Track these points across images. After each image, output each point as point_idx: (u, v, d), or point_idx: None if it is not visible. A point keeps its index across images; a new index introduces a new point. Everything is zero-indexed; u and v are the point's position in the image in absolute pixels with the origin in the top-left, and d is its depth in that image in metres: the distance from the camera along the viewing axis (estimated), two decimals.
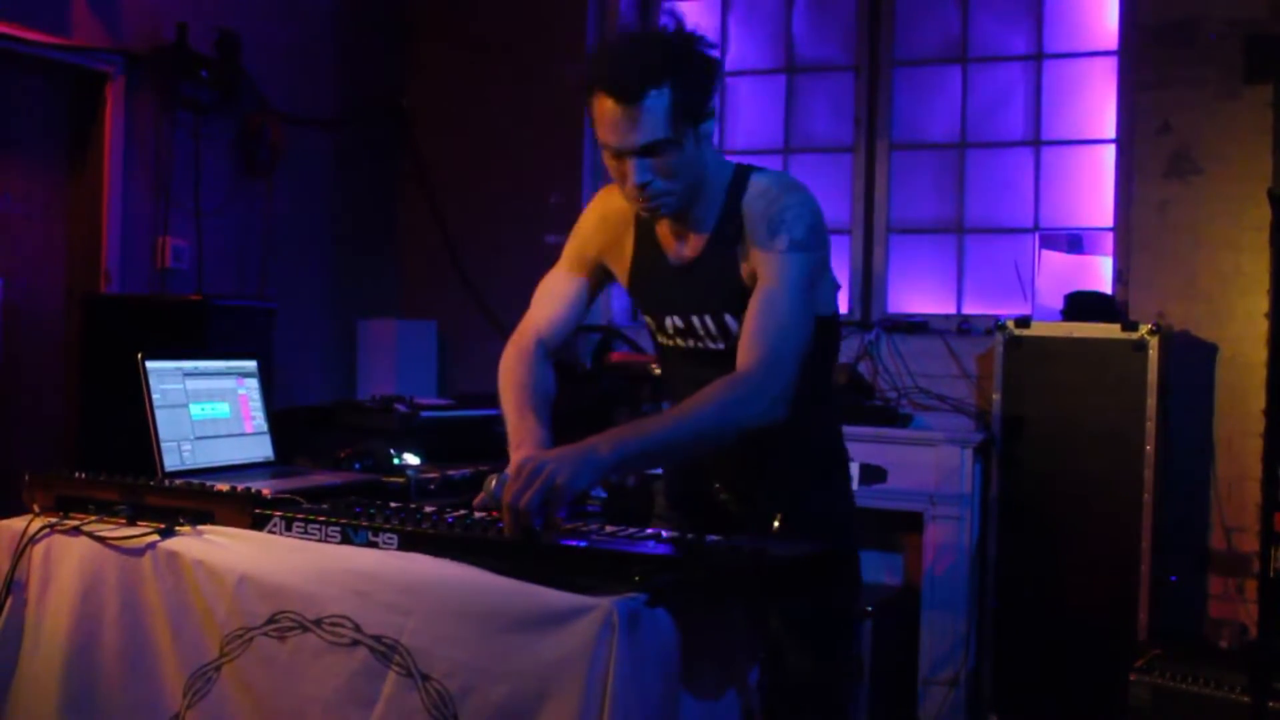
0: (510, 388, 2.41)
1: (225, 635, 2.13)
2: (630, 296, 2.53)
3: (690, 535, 2.02)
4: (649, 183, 2.22)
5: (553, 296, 2.55)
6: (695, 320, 2.37)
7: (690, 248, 2.36)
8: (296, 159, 5.52)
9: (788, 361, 2.16)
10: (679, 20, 2.30)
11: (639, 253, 2.45)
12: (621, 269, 2.49)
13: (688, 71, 2.18)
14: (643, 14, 5.90)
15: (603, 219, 2.51)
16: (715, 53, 2.28)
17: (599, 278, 2.55)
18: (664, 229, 2.40)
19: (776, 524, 2.20)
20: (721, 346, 2.34)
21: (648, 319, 2.49)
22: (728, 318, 2.32)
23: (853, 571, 2.48)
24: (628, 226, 2.45)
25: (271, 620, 2.08)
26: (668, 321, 2.41)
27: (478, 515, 2.14)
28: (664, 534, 2.04)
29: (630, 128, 2.18)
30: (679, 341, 2.41)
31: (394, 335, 5.71)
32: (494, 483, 2.08)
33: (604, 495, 2.15)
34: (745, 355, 2.18)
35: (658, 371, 2.58)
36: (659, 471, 2.68)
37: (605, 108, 2.19)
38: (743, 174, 2.35)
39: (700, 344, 2.38)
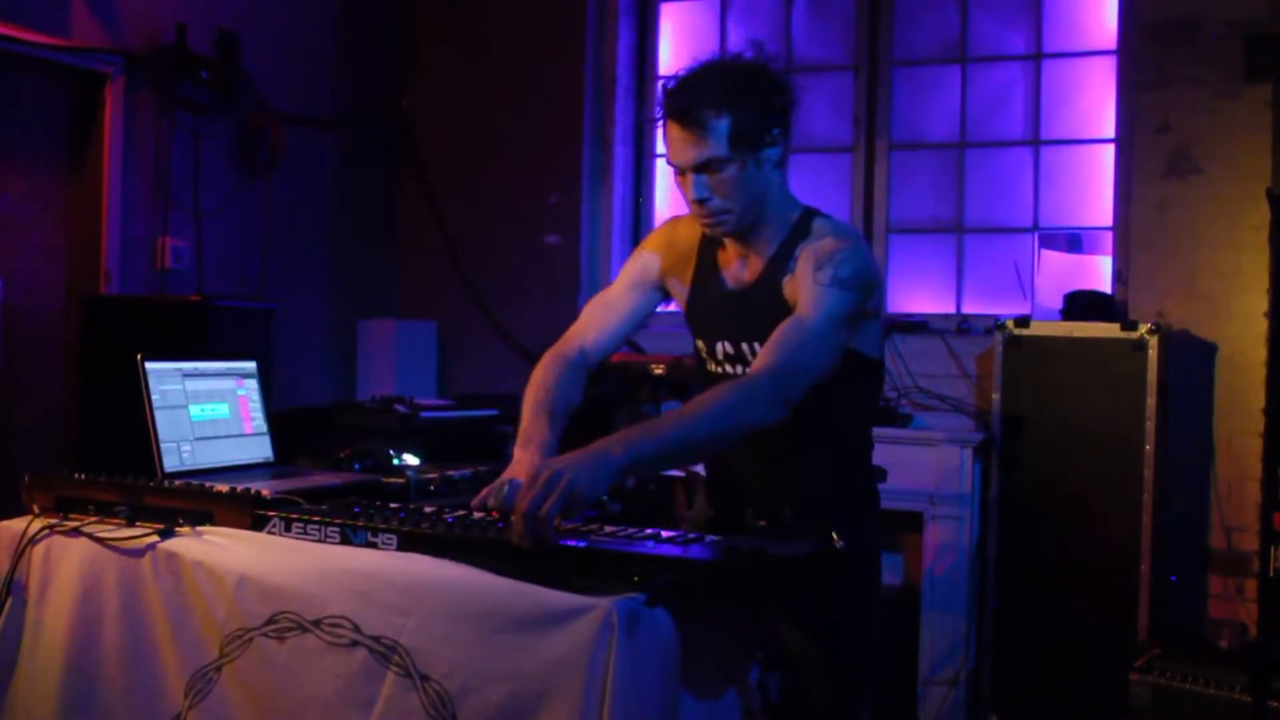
0: (534, 388, 2.47)
1: (225, 636, 2.13)
2: (687, 322, 2.60)
3: (690, 535, 2.02)
4: (706, 199, 2.34)
5: (606, 308, 2.63)
6: (745, 347, 2.45)
7: (749, 272, 2.45)
8: (296, 159, 5.52)
9: (797, 375, 2.20)
10: (756, 49, 2.43)
11: (698, 277, 2.54)
12: (682, 292, 2.58)
13: (749, 99, 2.32)
14: (641, 15, 5.90)
15: (670, 243, 2.61)
16: (785, 85, 2.41)
17: (653, 299, 2.63)
18: (726, 255, 2.50)
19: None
20: None
21: (700, 345, 2.56)
22: None
23: (871, 588, 2.53)
24: (691, 252, 2.55)
25: (271, 621, 2.08)
26: (718, 347, 2.50)
27: (477, 516, 2.14)
28: (663, 534, 2.04)
29: (689, 146, 2.32)
30: (728, 368, 2.49)
31: (394, 335, 5.71)
32: (506, 488, 2.08)
33: (618, 508, 2.15)
34: (758, 363, 2.24)
35: (658, 371, 2.59)
36: (677, 473, 2.71)
37: (671, 129, 2.34)
38: (809, 215, 2.46)
39: (748, 369, 2.40)
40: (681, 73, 2.38)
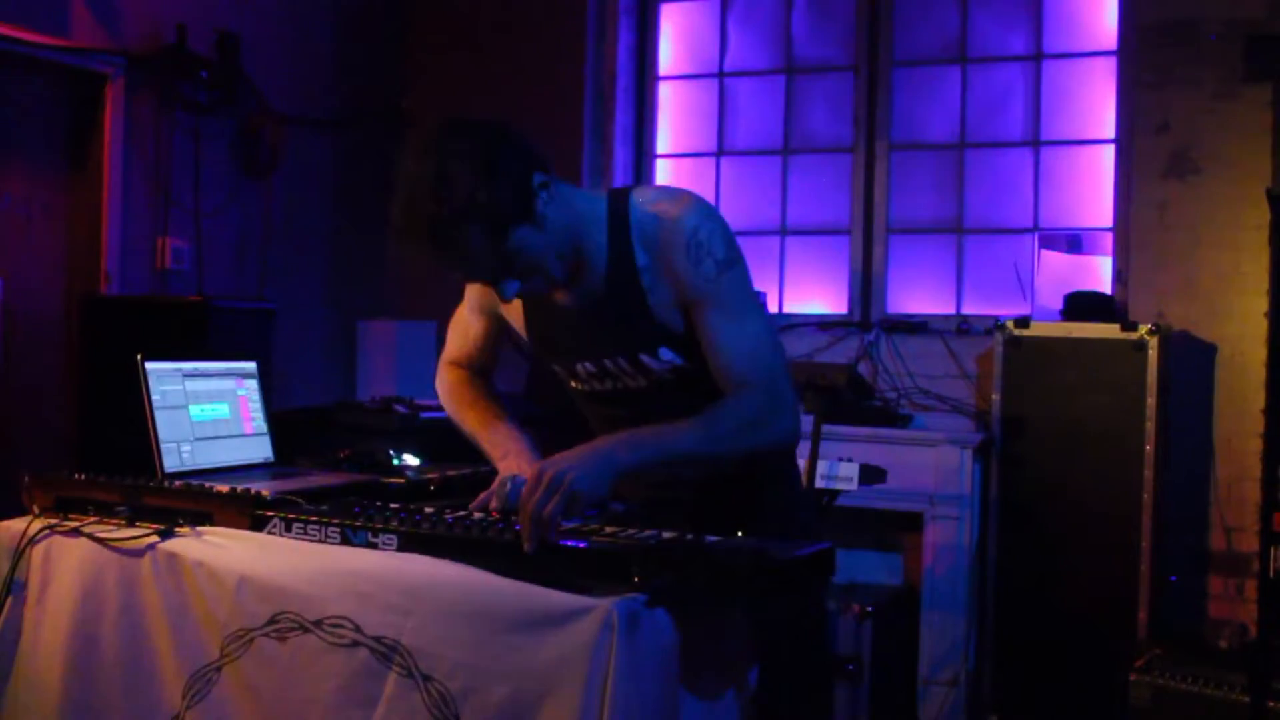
0: (463, 407, 2.42)
1: (226, 636, 2.13)
2: (532, 349, 2.40)
3: (690, 535, 2.02)
4: (521, 291, 2.14)
5: (462, 335, 2.51)
6: (608, 363, 2.25)
7: (585, 292, 2.22)
8: (296, 160, 5.52)
9: (785, 381, 2.15)
10: (461, 120, 2.12)
11: (529, 305, 2.32)
12: (516, 321, 2.38)
13: (483, 187, 2.00)
14: (642, 15, 5.90)
15: None
16: (518, 142, 2.11)
17: (503, 321, 2.44)
18: None
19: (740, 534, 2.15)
20: (643, 383, 2.24)
21: (555, 368, 2.36)
22: (644, 358, 2.21)
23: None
24: None
25: (271, 621, 2.08)
26: (579, 368, 2.30)
27: (477, 516, 2.14)
28: (663, 534, 2.04)
29: (465, 272, 2.16)
30: (595, 385, 2.30)
31: (394, 336, 5.70)
32: (508, 487, 2.07)
33: (620, 508, 2.13)
34: (740, 381, 2.13)
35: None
36: None
37: (424, 259, 2.07)
38: (619, 200, 2.21)
39: (618, 384, 2.27)
40: (397, 190, 2.05)
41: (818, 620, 2.42)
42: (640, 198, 2.21)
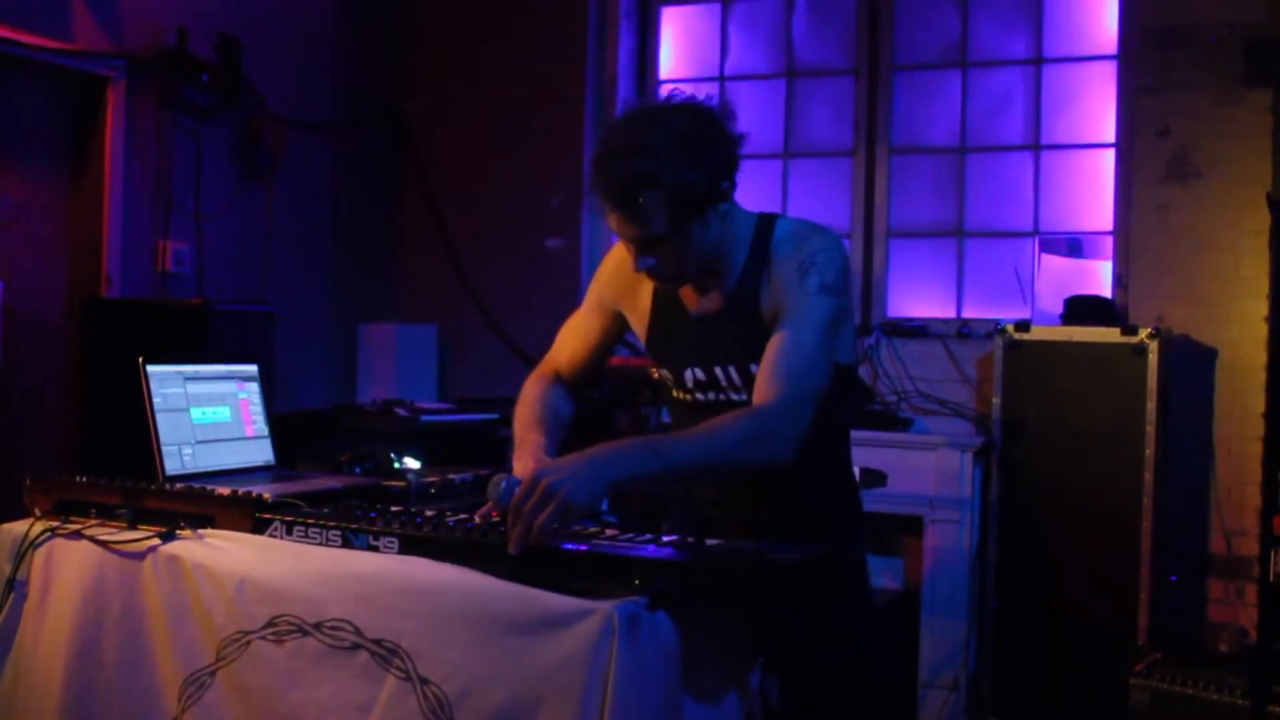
0: (521, 406, 2.45)
1: (222, 639, 2.13)
2: (647, 350, 2.46)
3: (691, 539, 2.02)
4: (650, 269, 2.22)
5: (574, 336, 2.55)
6: (719, 371, 2.31)
7: (713, 301, 2.31)
8: (297, 163, 5.53)
9: (806, 404, 2.14)
10: (693, 102, 2.24)
11: (657, 306, 2.39)
12: (639, 321, 2.44)
13: (690, 165, 2.12)
14: (643, 19, 5.91)
15: (618, 270, 2.45)
16: (733, 131, 2.22)
17: (619, 324, 2.50)
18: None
19: None
20: (745, 397, 2.28)
21: (664, 373, 2.42)
22: (753, 367, 2.24)
23: (864, 593, 2.48)
24: (644, 280, 2.37)
25: (270, 624, 2.08)
26: (688, 374, 2.35)
27: (478, 519, 2.14)
28: (664, 537, 2.04)
29: (624, 225, 2.18)
30: (698, 395, 2.35)
31: (394, 339, 5.71)
32: (501, 485, 2.07)
33: (614, 519, 2.13)
34: (764, 391, 2.15)
35: (657, 375, 2.54)
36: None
37: (602, 203, 2.18)
38: (767, 222, 2.31)
39: (722, 395, 2.32)
40: (609, 134, 2.18)
41: (844, 627, 2.39)
42: (784, 222, 2.31)
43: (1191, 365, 4.58)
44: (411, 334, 5.80)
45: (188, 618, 2.19)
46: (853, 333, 2.36)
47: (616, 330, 2.52)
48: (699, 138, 2.16)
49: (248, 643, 2.10)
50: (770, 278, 2.25)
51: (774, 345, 2.18)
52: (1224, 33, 4.58)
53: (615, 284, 2.46)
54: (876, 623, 2.58)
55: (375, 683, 1.96)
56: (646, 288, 2.41)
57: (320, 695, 2.01)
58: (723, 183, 2.18)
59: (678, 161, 2.11)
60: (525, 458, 2.28)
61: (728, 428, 2.10)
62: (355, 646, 1.99)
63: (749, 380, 2.26)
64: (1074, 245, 5.21)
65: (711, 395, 2.34)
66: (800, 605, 2.19)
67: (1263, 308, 4.11)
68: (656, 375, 2.46)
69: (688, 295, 2.35)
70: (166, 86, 4.88)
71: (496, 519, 2.11)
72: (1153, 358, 4.30)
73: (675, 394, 2.41)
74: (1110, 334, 4.40)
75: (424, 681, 1.91)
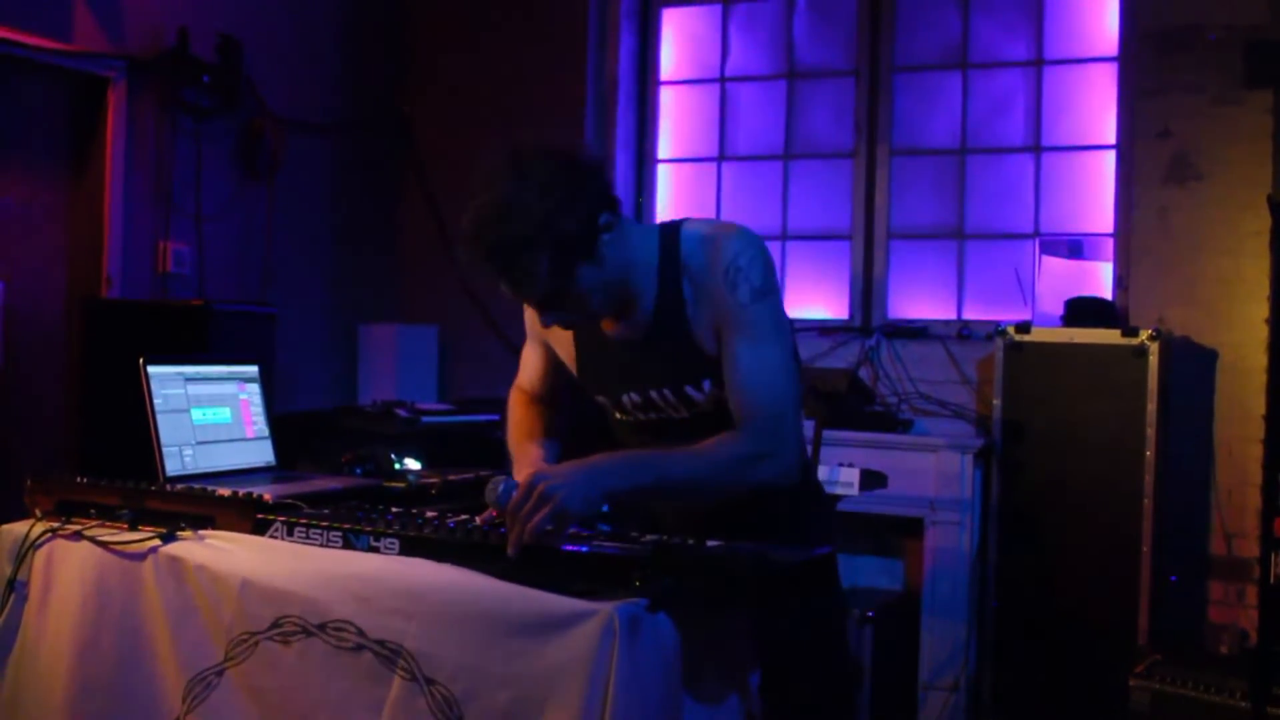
0: (512, 424, 2.47)
1: (231, 639, 2.13)
2: (580, 381, 2.42)
3: (691, 541, 2.02)
4: (559, 320, 2.21)
5: (528, 364, 2.55)
6: (654, 394, 2.28)
7: (634, 327, 2.26)
8: (297, 164, 5.52)
9: (794, 420, 2.15)
10: (545, 148, 2.17)
11: (580, 339, 2.36)
12: (565, 353, 2.41)
13: (557, 213, 2.06)
14: (643, 20, 5.91)
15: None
16: (592, 159, 2.16)
17: (554, 353, 2.48)
18: None
19: None
20: (686, 415, 2.27)
21: (601, 399, 2.39)
22: (688, 389, 2.23)
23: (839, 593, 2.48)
24: None
25: (275, 625, 2.08)
26: (624, 399, 2.32)
27: (479, 521, 2.14)
28: (664, 539, 2.04)
29: (515, 291, 2.15)
30: (639, 415, 2.32)
31: (395, 340, 5.71)
32: (499, 488, 2.07)
33: (607, 529, 2.13)
34: (747, 413, 2.13)
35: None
36: None
37: (485, 273, 2.14)
38: (670, 234, 2.24)
39: (662, 415, 2.30)
40: (472, 206, 2.14)
41: (832, 628, 2.40)
42: (690, 229, 2.24)
43: (1192, 367, 4.58)
44: (412, 335, 5.80)
45: (192, 617, 2.19)
46: (788, 321, 2.29)
47: (556, 358, 2.48)
48: (561, 182, 2.09)
49: (256, 643, 2.10)
50: (694, 292, 2.19)
51: (737, 370, 2.15)
52: (1224, 34, 4.58)
53: (536, 321, 2.43)
54: (846, 619, 2.56)
55: (382, 684, 1.96)
56: None
57: (331, 695, 2.02)
58: (601, 216, 2.11)
59: (547, 214, 2.05)
60: (525, 469, 2.28)
61: (727, 448, 2.11)
62: (359, 648, 1.99)
63: (685, 400, 2.25)
64: (1074, 247, 5.20)
65: (653, 415, 2.31)
66: (799, 606, 2.20)
67: (1263, 310, 4.11)
68: (600, 401, 2.42)
69: (606, 322, 2.29)
70: (167, 87, 4.88)
71: (496, 516, 2.11)
72: (1153, 359, 4.30)
73: (616, 415, 2.38)
74: (1111, 336, 4.40)
75: (430, 682, 1.91)
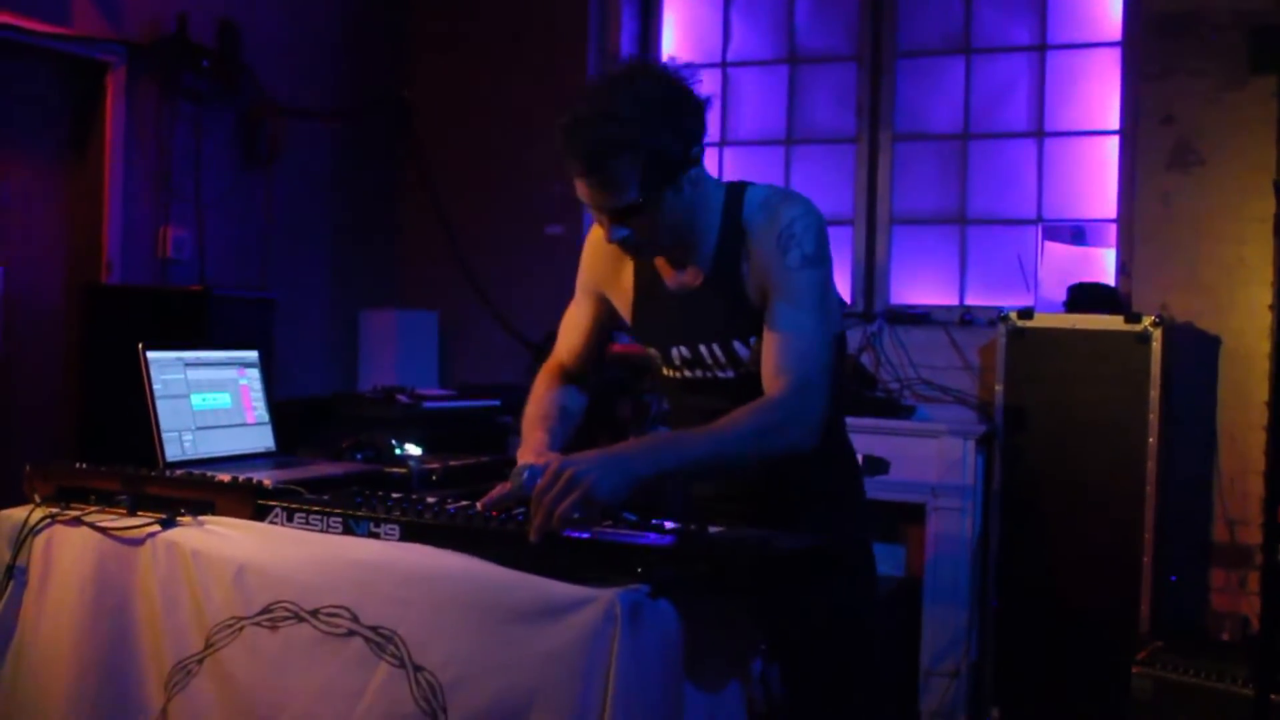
0: (530, 403, 2.46)
1: (214, 626, 2.12)
2: (632, 329, 2.44)
3: (693, 527, 2.01)
4: (625, 239, 2.20)
5: (570, 328, 2.55)
6: (703, 349, 2.30)
7: (691, 275, 2.30)
8: (297, 150, 5.51)
9: (819, 385, 2.13)
10: (659, 67, 2.20)
11: (639, 284, 2.39)
12: (622, 301, 2.43)
13: (658, 131, 2.10)
14: (645, 3, 5.88)
15: (596, 253, 2.46)
16: (700, 95, 2.19)
17: (610, 306, 2.49)
18: (661, 259, 2.34)
19: None
20: (731, 374, 2.28)
21: (652, 352, 2.41)
22: (736, 344, 2.25)
23: (868, 578, 2.47)
24: (623, 260, 2.38)
25: (266, 610, 2.07)
26: (674, 352, 2.35)
27: (480, 506, 2.13)
28: (666, 525, 2.03)
29: (597, 193, 2.15)
30: (685, 372, 2.35)
31: (395, 326, 5.71)
32: (524, 474, 2.05)
33: (634, 519, 2.11)
34: (774, 379, 2.13)
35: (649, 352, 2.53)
36: None
37: (573, 170, 2.15)
38: (736, 191, 2.28)
39: (709, 373, 2.31)
40: (577, 102, 2.14)
41: (852, 612, 2.37)
42: (754, 191, 2.27)
43: (1195, 353, 4.57)
44: (412, 321, 5.79)
45: (180, 604, 2.19)
46: (838, 299, 2.34)
47: (609, 314, 2.50)
48: (668, 102, 2.13)
49: (240, 629, 2.10)
50: (749, 251, 2.22)
51: (773, 330, 2.17)
52: (1228, 20, 4.56)
53: (595, 267, 2.47)
54: (879, 608, 2.56)
55: (367, 670, 1.95)
56: (627, 268, 2.40)
57: (310, 682, 2.01)
58: (693, 148, 2.16)
59: (648, 126, 2.09)
60: (527, 454, 2.27)
61: (747, 420, 2.09)
62: (350, 633, 1.98)
63: (733, 358, 2.27)
64: (1077, 232, 5.20)
65: (699, 373, 2.33)
66: (803, 593, 2.19)
67: (1267, 295, 4.10)
68: (649, 352, 2.45)
69: (665, 271, 2.33)
70: (167, 73, 4.87)
71: (499, 499, 2.09)
72: (1156, 346, 4.29)
73: (665, 371, 2.41)
74: (1113, 322, 4.39)
75: (417, 669, 1.91)
